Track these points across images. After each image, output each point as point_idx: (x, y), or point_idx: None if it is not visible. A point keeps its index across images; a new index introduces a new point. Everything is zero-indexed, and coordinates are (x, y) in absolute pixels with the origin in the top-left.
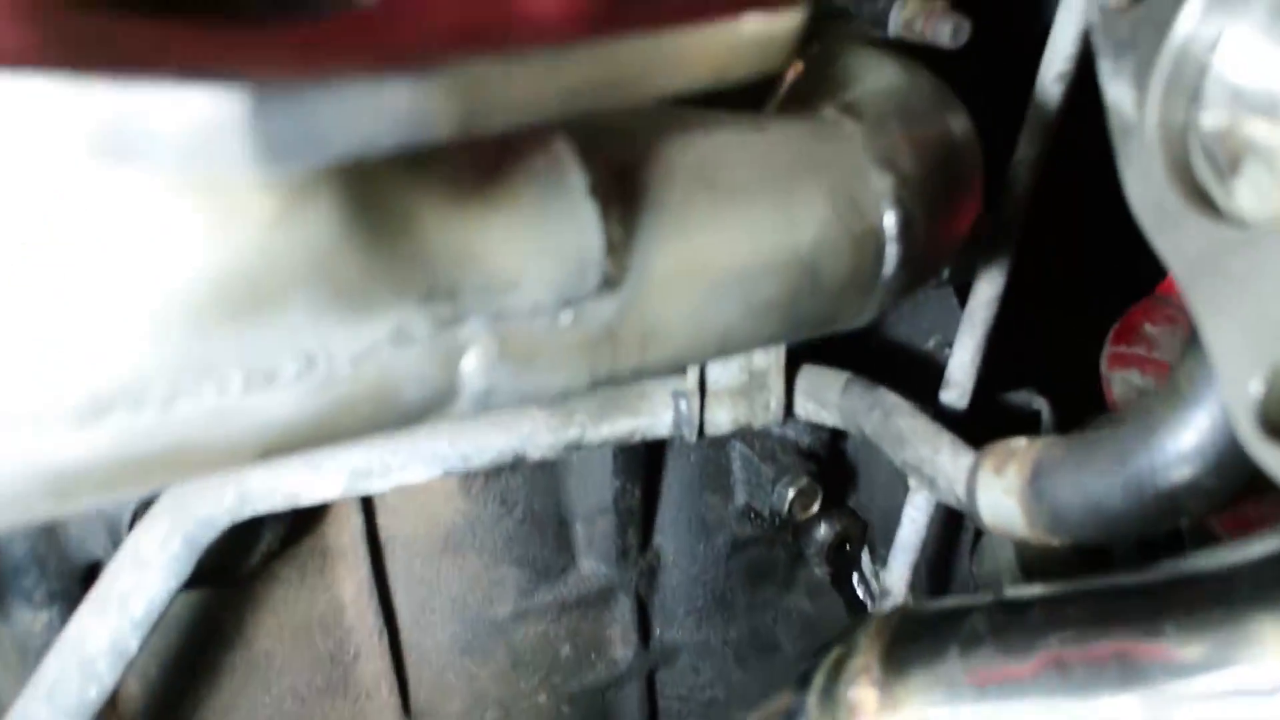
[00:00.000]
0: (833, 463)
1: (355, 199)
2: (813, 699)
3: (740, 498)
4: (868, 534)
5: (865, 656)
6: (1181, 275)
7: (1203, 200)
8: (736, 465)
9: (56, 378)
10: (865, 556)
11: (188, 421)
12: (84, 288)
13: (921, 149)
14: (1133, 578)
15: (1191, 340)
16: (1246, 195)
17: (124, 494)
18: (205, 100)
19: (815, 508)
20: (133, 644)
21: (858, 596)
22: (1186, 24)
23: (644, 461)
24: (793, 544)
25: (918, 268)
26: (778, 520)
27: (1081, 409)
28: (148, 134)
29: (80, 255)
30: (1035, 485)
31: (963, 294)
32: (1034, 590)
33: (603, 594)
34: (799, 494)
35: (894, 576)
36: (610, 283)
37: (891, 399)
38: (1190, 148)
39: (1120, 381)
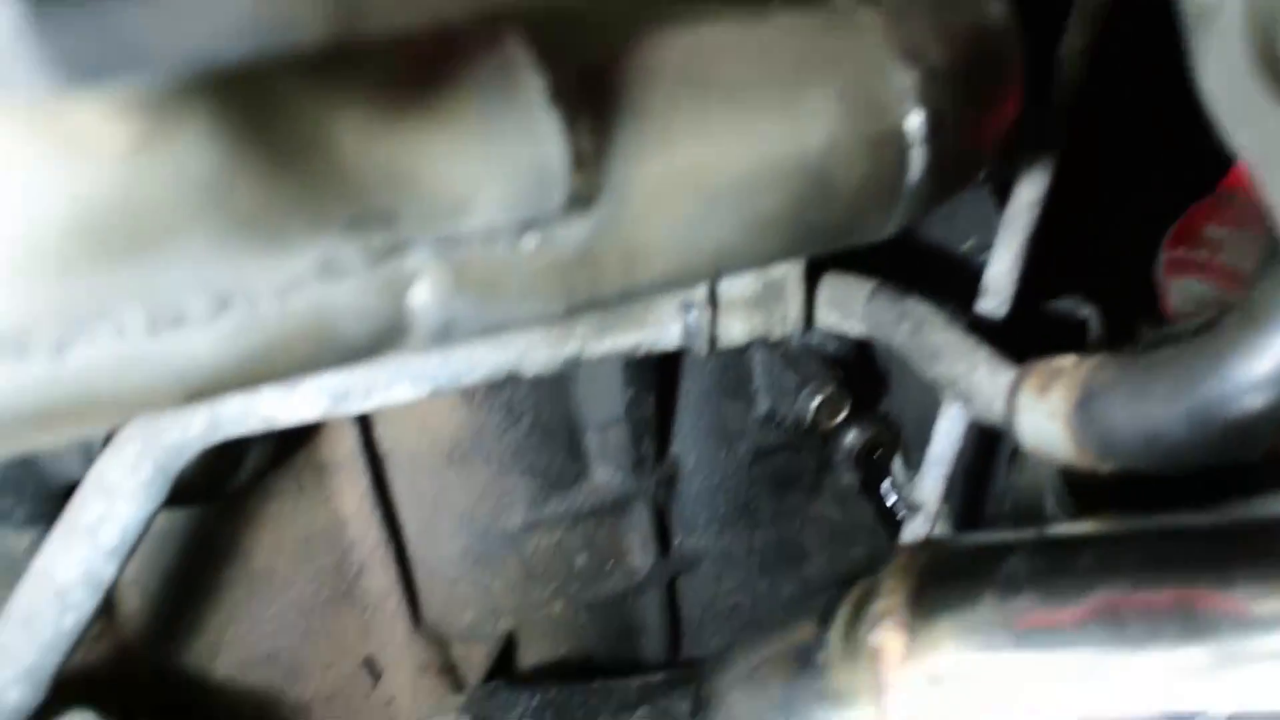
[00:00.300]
0: (862, 367)
1: (241, 116)
2: (835, 638)
3: (762, 405)
4: (900, 440)
5: (891, 598)
6: (1261, 172)
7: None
8: (757, 372)
9: None
10: (897, 463)
11: (89, 368)
12: None
13: (952, 38)
14: (1200, 520)
15: (1272, 252)
16: None
17: (38, 443)
18: None
19: (842, 415)
20: (108, 572)
21: (888, 504)
22: None
23: (657, 369)
24: (820, 451)
25: (948, 174)
26: (802, 428)
27: (1133, 319)
28: None
29: None
30: (1084, 410)
31: (1002, 193)
32: (1082, 529)
33: (618, 503)
34: (825, 402)
35: (926, 490)
36: (581, 201)
37: (922, 309)
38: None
39: (1178, 290)
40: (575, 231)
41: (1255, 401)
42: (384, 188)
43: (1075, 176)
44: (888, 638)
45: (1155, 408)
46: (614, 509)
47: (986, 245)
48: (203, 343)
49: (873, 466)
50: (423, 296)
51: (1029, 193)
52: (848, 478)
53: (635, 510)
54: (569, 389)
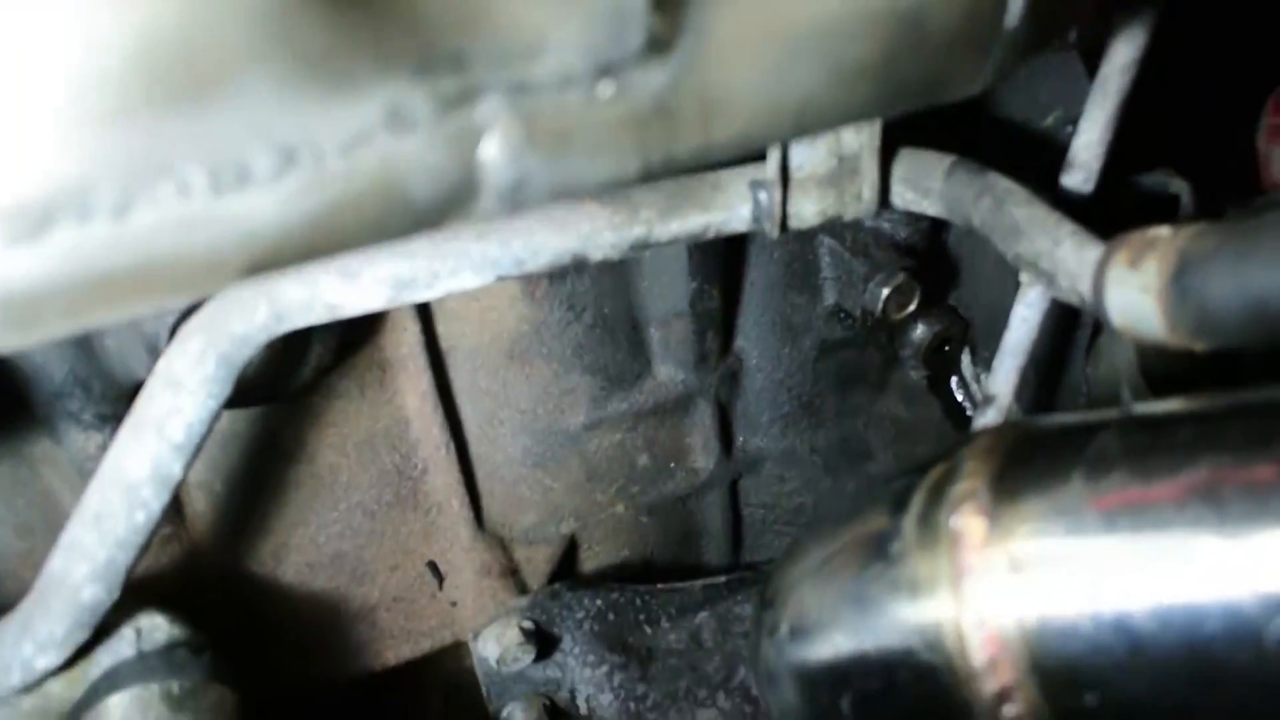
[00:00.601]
0: (932, 256)
1: None
2: (909, 525)
3: (829, 297)
4: (969, 334)
5: (972, 480)
6: None
7: None
8: (825, 261)
9: None
10: (966, 358)
11: (153, 231)
12: None
13: None
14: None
15: None
16: None
17: (98, 319)
18: None
19: (912, 307)
20: (176, 468)
21: (957, 402)
22: None
23: (722, 259)
24: (887, 345)
25: (1048, 18)
26: (870, 321)
27: (1230, 194)
28: None
29: None
30: (1181, 281)
31: (1089, 60)
32: (1177, 405)
33: (681, 401)
34: (894, 292)
35: (999, 381)
36: (659, 44)
37: (1004, 184)
38: None
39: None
40: (652, 79)
41: None
42: (453, 27)
43: (1168, 40)
44: (968, 521)
45: (1260, 274)
46: (676, 407)
47: (1072, 117)
48: (268, 203)
49: (941, 362)
50: (493, 151)
51: (1123, 54)
52: (915, 373)
53: (698, 409)
54: (631, 282)
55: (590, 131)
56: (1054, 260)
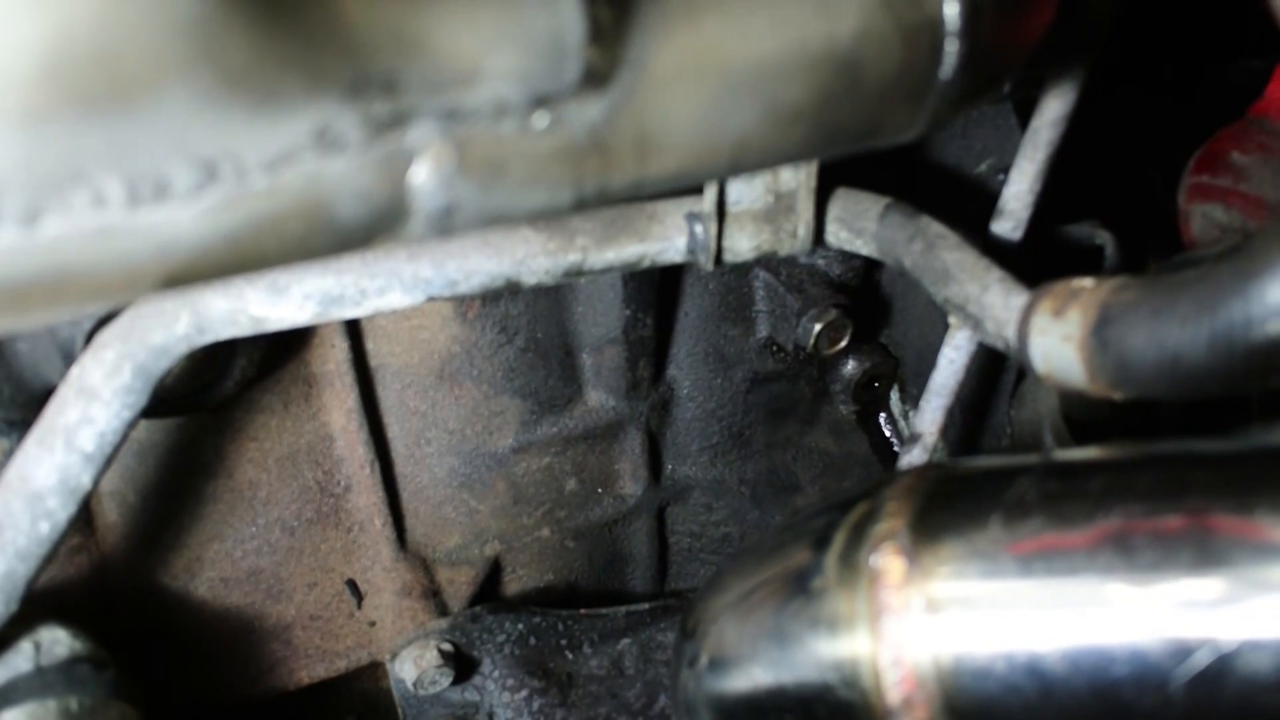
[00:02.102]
0: (865, 294)
1: None
2: (830, 561)
3: (762, 330)
4: (899, 372)
5: (893, 520)
6: None
7: None
8: (759, 295)
9: None
10: (895, 395)
11: (65, 242)
12: None
13: None
14: (1216, 445)
15: None
16: None
17: (7, 325)
18: None
19: (843, 343)
20: (85, 479)
21: (885, 437)
22: None
23: (657, 288)
24: (817, 380)
25: (982, 72)
26: (802, 355)
27: (1150, 247)
28: None
29: None
30: (1101, 332)
31: (1023, 112)
32: (1093, 453)
33: (611, 427)
34: (826, 328)
35: (925, 420)
36: (596, 77)
37: (936, 228)
38: None
39: (1201, 216)
40: (588, 112)
41: None
42: (388, 49)
43: (1098, 98)
44: (887, 561)
45: (1176, 330)
46: (606, 434)
47: (1004, 166)
48: (187, 218)
49: (870, 398)
50: (424, 176)
51: (1054, 109)
52: (844, 408)
53: (628, 436)
54: (566, 307)
55: (524, 161)
56: (981, 305)
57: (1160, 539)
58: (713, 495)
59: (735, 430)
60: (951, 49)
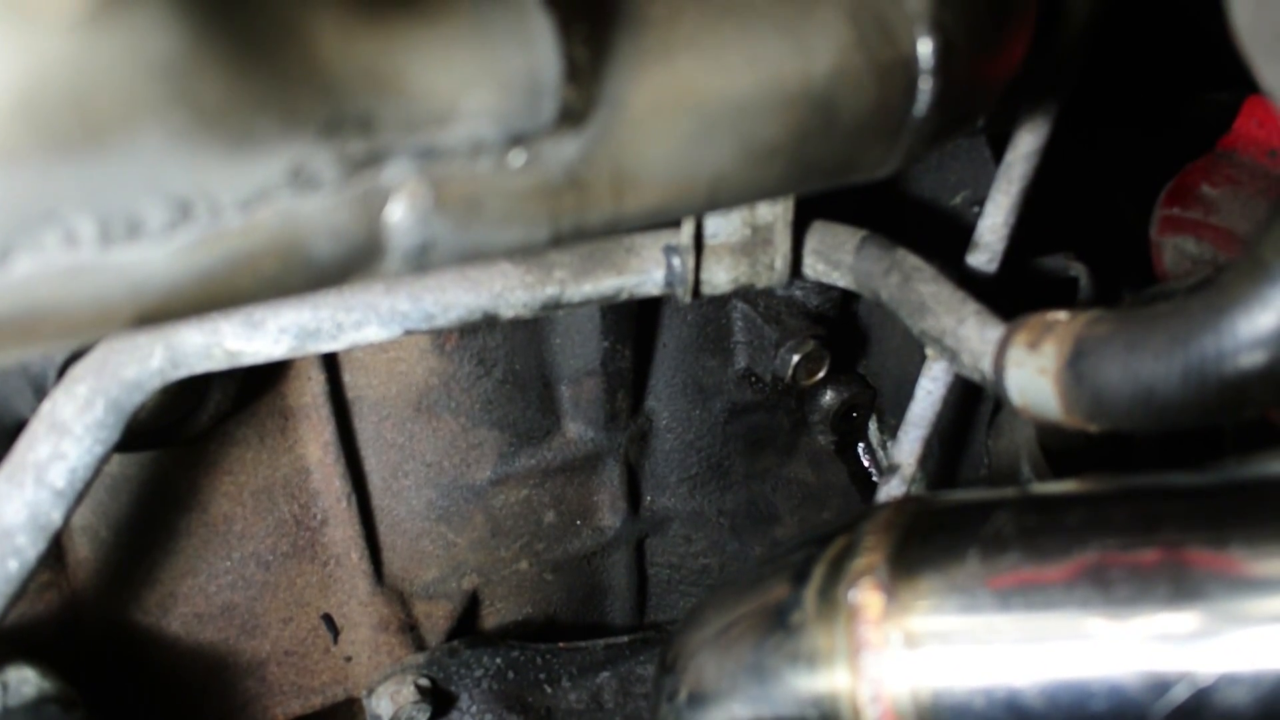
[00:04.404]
0: (843, 325)
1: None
2: (809, 596)
3: (740, 361)
4: (877, 402)
5: (871, 555)
6: None
7: None
8: (737, 326)
9: None
10: (873, 426)
11: (34, 280)
12: None
13: None
14: (1192, 479)
15: (1275, 208)
16: None
17: None
18: None
19: (821, 374)
20: (55, 516)
21: (863, 467)
22: None
23: (635, 320)
24: (796, 411)
25: (955, 109)
26: (780, 386)
27: (1123, 279)
28: None
29: None
30: (1076, 366)
31: (996, 145)
32: (1070, 487)
33: (589, 459)
34: (804, 359)
35: (903, 451)
36: (573, 116)
37: (912, 261)
38: None
39: (1172, 249)
40: (565, 150)
41: (1254, 359)
42: (363, 89)
43: (1070, 130)
44: (866, 596)
45: (1149, 363)
46: (585, 465)
47: (979, 199)
48: (160, 257)
49: (849, 428)
50: (400, 214)
51: (1029, 142)
52: (823, 439)
53: (606, 467)
54: (544, 339)
55: (500, 198)
56: (957, 338)
57: (1136, 573)
58: (692, 527)
59: (714, 461)
60: (925, 87)
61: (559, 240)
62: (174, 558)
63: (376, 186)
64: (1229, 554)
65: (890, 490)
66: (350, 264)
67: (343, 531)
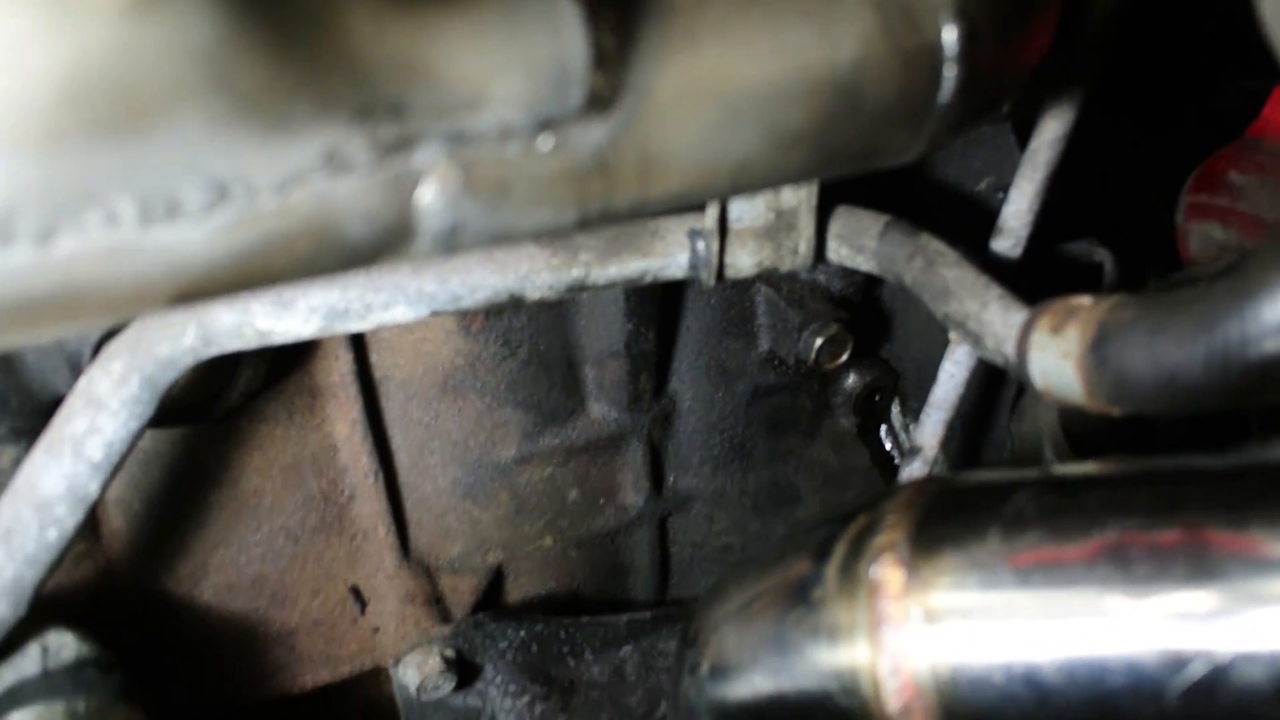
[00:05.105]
0: (866, 309)
1: None
2: (831, 572)
3: (764, 344)
4: (899, 385)
5: (892, 532)
6: None
7: None
8: (761, 309)
9: None
10: (896, 409)
11: (78, 260)
12: None
13: None
14: (1212, 461)
15: None
16: None
17: (16, 340)
18: None
19: (844, 357)
20: (93, 487)
21: (885, 450)
22: None
23: (659, 303)
24: (819, 393)
25: (979, 96)
26: (803, 369)
27: (1149, 265)
28: None
29: None
30: (1099, 350)
31: (1022, 131)
32: (1091, 468)
33: (613, 439)
34: (827, 342)
35: (926, 434)
36: (600, 102)
37: (935, 246)
38: None
39: (1199, 235)
40: (592, 135)
41: (1278, 344)
42: (396, 75)
43: (1096, 116)
44: (887, 572)
45: (1173, 348)
46: (608, 445)
47: (1003, 185)
48: (198, 236)
49: (871, 410)
50: (430, 197)
51: (1054, 129)
52: (845, 421)
53: (630, 447)
54: (568, 320)
55: (529, 182)
56: (981, 322)
57: (1156, 552)
58: (714, 506)
59: (737, 442)
60: (950, 74)
61: (586, 223)
62: (205, 530)
63: (408, 170)
64: (1248, 535)
65: (912, 472)
66: (381, 245)
67: (370, 507)
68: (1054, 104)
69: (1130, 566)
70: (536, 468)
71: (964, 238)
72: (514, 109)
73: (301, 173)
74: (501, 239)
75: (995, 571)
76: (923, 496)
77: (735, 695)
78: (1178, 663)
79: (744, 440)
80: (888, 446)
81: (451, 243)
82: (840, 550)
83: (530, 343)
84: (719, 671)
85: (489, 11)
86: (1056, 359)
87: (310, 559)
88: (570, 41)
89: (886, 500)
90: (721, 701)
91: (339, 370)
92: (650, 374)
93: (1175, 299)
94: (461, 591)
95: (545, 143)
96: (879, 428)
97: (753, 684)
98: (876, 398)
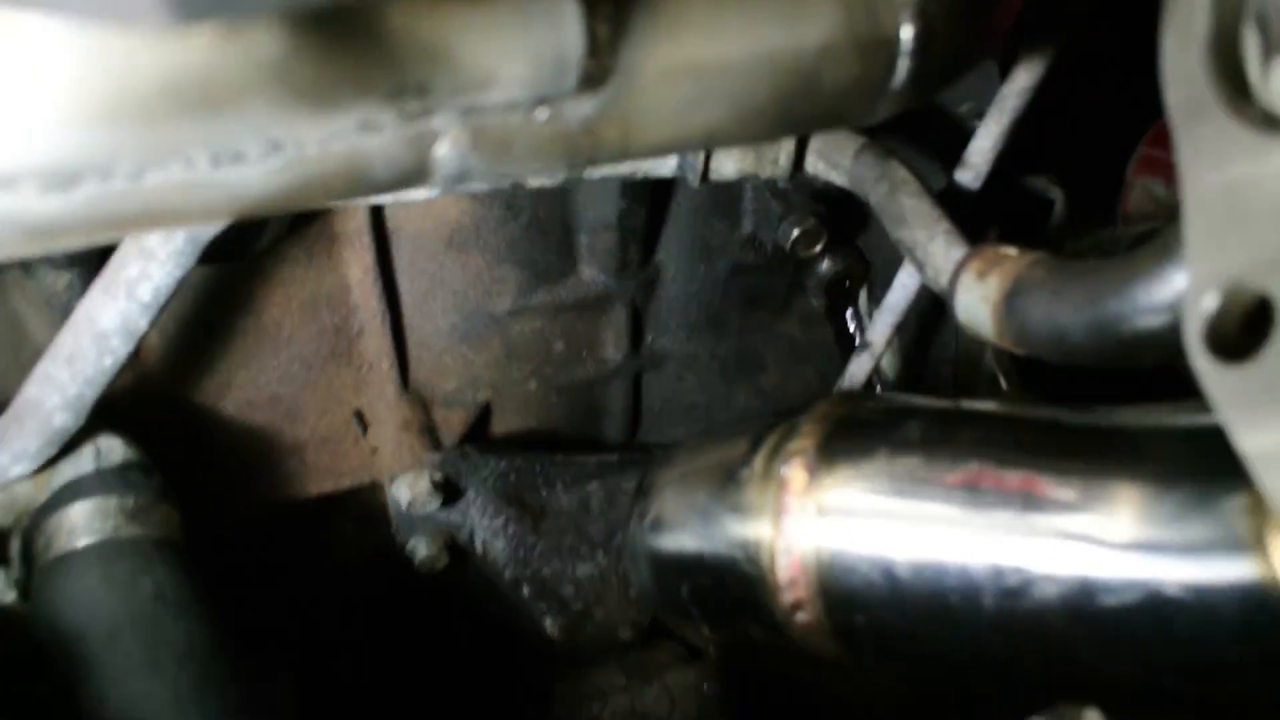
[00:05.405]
0: (845, 201)
1: (305, 15)
2: (757, 462)
3: (747, 226)
4: (868, 275)
5: (804, 440)
6: (1186, 163)
7: (1236, 84)
8: (747, 196)
9: (21, 149)
10: (864, 295)
11: (159, 190)
12: (45, 77)
13: None
14: (1069, 418)
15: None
16: None
17: (108, 239)
18: None
19: (818, 248)
20: (142, 323)
21: (849, 331)
22: None
23: (651, 184)
24: (793, 274)
25: (931, 81)
26: (780, 253)
27: (1096, 208)
28: None
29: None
30: (1010, 301)
31: (1006, 63)
32: (975, 406)
33: (599, 300)
34: (804, 234)
35: (876, 333)
36: (591, 82)
37: (901, 174)
38: (1244, 15)
39: (1140, 189)
40: (582, 107)
41: (1150, 322)
42: (423, 64)
43: (1072, 64)
44: (794, 472)
45: (1067, 312)
46: (595, 305)
47: (981, 112)
48: (256, 176)
49: (841, 294)
50: (443, 150)
51: (1022, 80)
52: (815, 301)
53: (614, 308)
54: (568, 193)
55: (526, 142)
56: (926, 252)
57: (999, 489)
58: (685, 367)
59: (712, 312)
60: (904, 65)
61: (574, 170)
62: (231, 353)
63: (427, 130)
64: (1069, 485)
65: (860, 364)
66: (401, 183)
67: (376, 342)
68: (1026, 57)
69: (978, 496)
70: (528, 320)
71: (938, 153)
72: (518, 89)
73: (341, 134)
74: (503, 181)
75: (876, 484)
76: (834, 413)
77: (668, 547)
78: (998, 574)
79: (719, 311)
80: (851, 328)
81: (461, 182)
82: (767, 446)
83: (531, 209)
84: (658, 524)
85: (503, 7)
86: (977, 301)
87: (321, 384)
88: (569, 34)
89: (805, 414)
90: (658, 550)
91: (356, 220)
92: (639, 245)
93: (1078, 269)
94: (452, 423)
95: (542, 114)
96: (846, 310)
97: (682, 540)
98: (847, 283)
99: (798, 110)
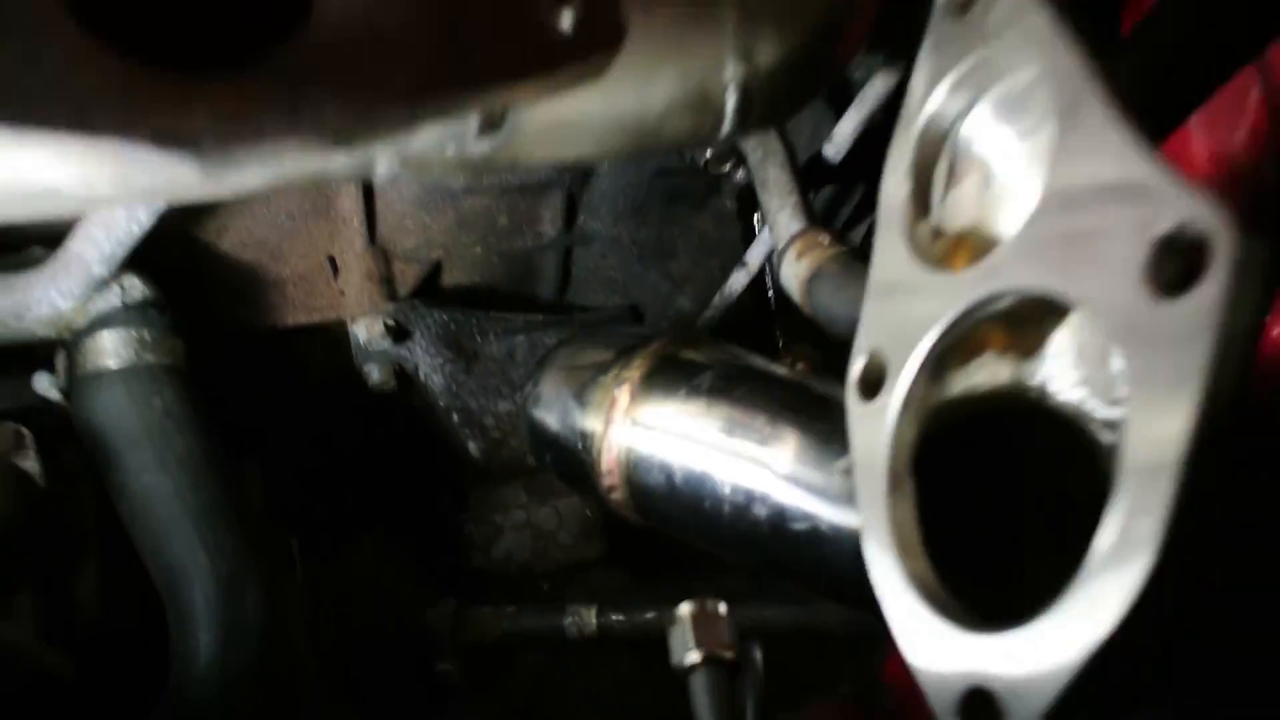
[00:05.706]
0: None
1: None
2: (609, 377)
3: None
4: None
5: (634, 370)
6: (873, 258)
7: (922, 197)
8: None
9: None
10: None
11: None
12: None
13: (787, 38)
14: (813, 383)
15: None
16: (956, 204)
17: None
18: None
19: (727, 167)
20: (162, 204)
21: (754, 231)
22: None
23: None
24: (712, 181)
25: (754, 128)
26: (697, 166)
27: None
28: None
29: None
30: (811, 283)
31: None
32: (755, 363)
33: (541, 185)
34: (715, 154)
35: (752, 256)
36: (487, 130)
37: (775, 145)
38: (946, 143)
39: None
40: (480, 147)
41: None
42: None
43: None
44: (623, 393)
45: (839, 305)
46: (536, 189)
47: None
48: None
49: (752, 199)
50: (379, 169)
51: (880, 85)
52: (729, 203)
53: (552, 193)
54: None
55: (439, 165)
56: (774, 220)
57: (754, 430)
58: (609, 248)
59: (637, 204)
60: (729, 123)
61: (475, 181)
62: (228, 203)
63: (367, 156)
64: (781, 432)
65: (737, 279)
66: (351, 176)
67: (350, 202)
68: (884, 68)
69: (734, 430)
70: (479, 197)
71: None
72: (433, 140)
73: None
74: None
75: (672, 412)
76: (660, 352)
77: (540, 420)
78: (741, 490)
79: (643, 203)
80: (757, 228)
81: (391, 181)
82: (617, 366)
83: None
84: (536, 399)
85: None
86: (791, 276)
87: (302, 234)
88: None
89: (642, 347)
90: (533, 420)
91: None
92: None
93: (858, 270)
94: (408, 276)
95: (450, 150)
96: (753, 213)
97: (549, 418)
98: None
99: (645, 146)
